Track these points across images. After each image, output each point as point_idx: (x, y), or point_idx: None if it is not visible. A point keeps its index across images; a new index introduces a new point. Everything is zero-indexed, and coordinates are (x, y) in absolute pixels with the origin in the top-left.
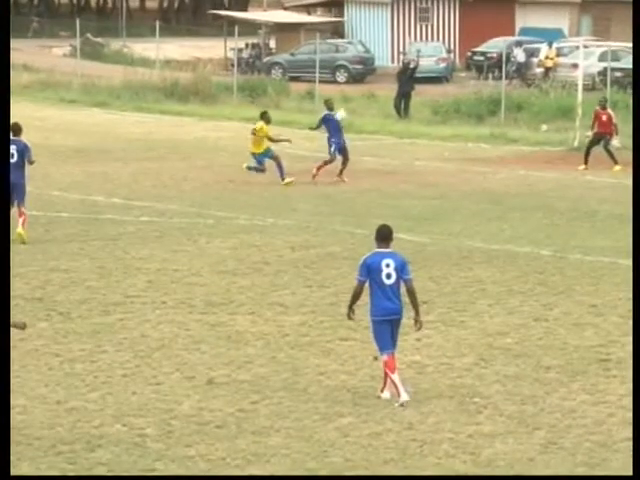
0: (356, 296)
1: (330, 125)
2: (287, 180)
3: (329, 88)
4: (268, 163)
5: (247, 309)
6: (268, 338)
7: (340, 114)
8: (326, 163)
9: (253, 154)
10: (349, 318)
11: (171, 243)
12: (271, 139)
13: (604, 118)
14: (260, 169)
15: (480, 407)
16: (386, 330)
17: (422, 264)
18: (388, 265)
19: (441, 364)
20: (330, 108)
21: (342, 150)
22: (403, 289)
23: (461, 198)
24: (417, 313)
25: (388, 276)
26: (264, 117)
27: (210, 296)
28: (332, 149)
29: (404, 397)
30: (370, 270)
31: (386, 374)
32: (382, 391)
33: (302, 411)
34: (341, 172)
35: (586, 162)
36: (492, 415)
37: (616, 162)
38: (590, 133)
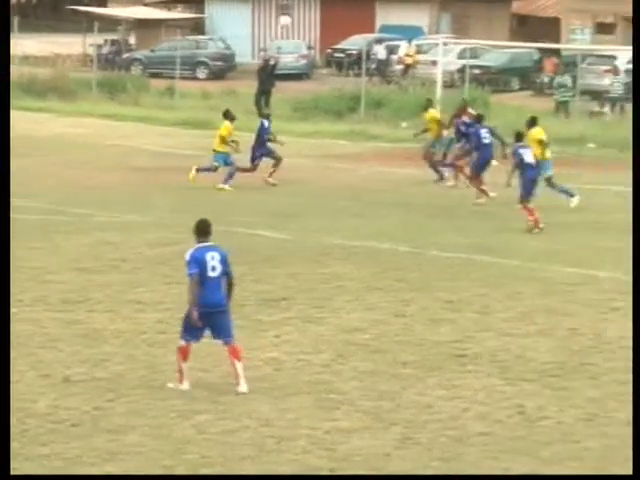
0: (194, 291)
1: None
2: (224, 187)
3: (190, 85)
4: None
5: (104, 307)
6: (125, 336)
7: None
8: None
9: (214, 151)
10: (197, 319)
11: (27, 240)
12: (223, 140)
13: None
14: (212, 169)
15: (337, 403)
16: (202, 323)
17: (282, 260)
18: (213, 258)
19: (299, 360)
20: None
21: (270, 153)
22: None
23: (321, 195)
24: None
25: (213, 268)
26: (228, 116)
27: (67, 294)
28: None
29: (185, 387)
30: (197, 263)
31: (233, 364)
32: (239, 385)
33: (159, 409)
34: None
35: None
36: (349, 411)
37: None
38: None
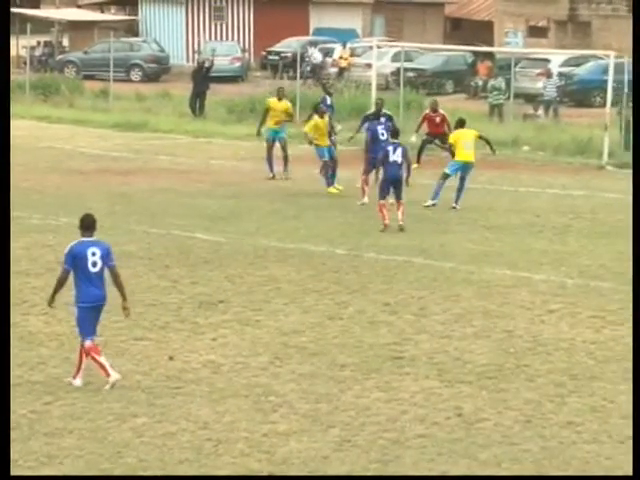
0: (60, 283)
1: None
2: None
3: (124, 87)
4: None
5: (40, 309)
6: (62, 339)
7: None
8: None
9: (316, 145)
10: (49, 305)
11: None
12: (320, 131)
13: (437, 120)
14: (328, 166)
15: (275, 406)
16: (91, 317)
17: (218, 263)
18: (94, 254)
19: (236, 363)
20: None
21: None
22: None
23: (256, 197)
24: (124, 299)
25: (94, 264)
26: (318, 111)
27: None
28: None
29: (115, 376)
30: (76, 258)
31: (80, 361)
32: (74, 378)
33: (96, 412)
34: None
35: (418, 161)
36: (287, 414)
37: (418, 161)
38: (414, 137)
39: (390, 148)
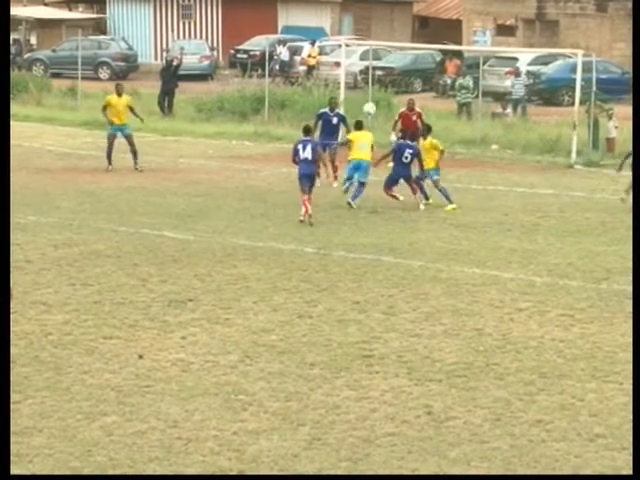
0: None
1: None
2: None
3: (92, 85)
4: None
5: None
6: (31, 337)
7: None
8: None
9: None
10: None
11: None
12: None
13: (414, 118)
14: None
15: (245, 404)
16: None
17: (187, 261)
18: None
19: (206, 361)
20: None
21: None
22: None
23: (225, 195)
24: None
25: None
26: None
27: None
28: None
29: None
30: None
31: None
32: None
33: (65, 410)
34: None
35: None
36: (257, 412)
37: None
38: (395, 136)
39: (300, 146)
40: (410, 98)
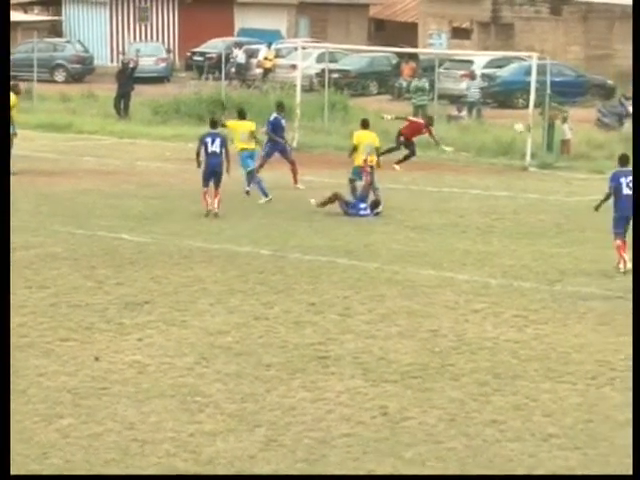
0: None
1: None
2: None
3: (48, 87)
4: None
5: None
6: None
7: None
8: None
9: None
10: None
11: None
12: None
13: (423, 131)
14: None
15: (201, 406)
16: None
17: (143, 264)
18: None
19: (162, 363)
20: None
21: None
22: None
23: (182, 198)
24: None
25: None
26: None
27: None
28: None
29: None
30: None
31: None
32: None
33: (22, 413)
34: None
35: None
36: (213, 414)
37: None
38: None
39: (209, 139)
40: (432, 116)
